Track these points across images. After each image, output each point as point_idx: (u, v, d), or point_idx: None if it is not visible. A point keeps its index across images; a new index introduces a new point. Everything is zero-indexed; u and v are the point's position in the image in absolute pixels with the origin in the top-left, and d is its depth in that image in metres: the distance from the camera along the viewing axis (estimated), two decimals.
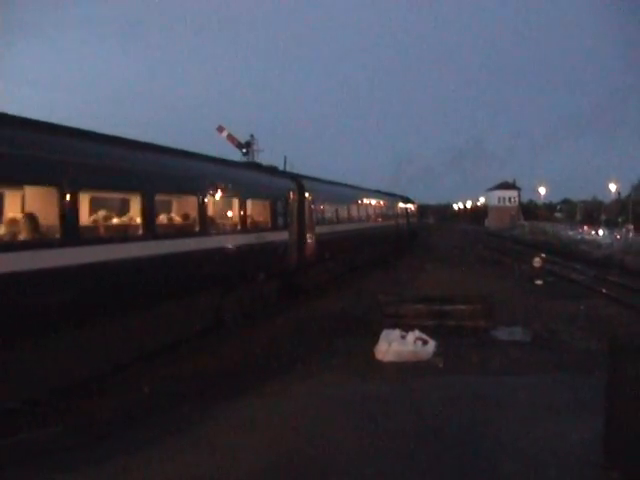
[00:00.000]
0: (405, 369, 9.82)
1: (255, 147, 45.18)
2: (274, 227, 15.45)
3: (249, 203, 14.07)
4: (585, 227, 58.84)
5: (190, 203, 11.53)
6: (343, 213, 23.75)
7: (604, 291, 19.77)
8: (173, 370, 9.94)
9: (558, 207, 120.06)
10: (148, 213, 9.71)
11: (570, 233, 55.95)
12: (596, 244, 42.28)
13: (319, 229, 19.48)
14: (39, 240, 7.63)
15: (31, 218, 7.63)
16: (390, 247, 34.13)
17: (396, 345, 10.44)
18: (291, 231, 16.81)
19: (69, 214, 7.85)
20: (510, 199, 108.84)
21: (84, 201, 8.86)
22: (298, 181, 18.47)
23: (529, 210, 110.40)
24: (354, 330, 12.82)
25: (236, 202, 13.44)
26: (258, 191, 15.09)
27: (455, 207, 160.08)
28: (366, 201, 28.80)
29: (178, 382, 9.35)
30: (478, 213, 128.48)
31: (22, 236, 7.53)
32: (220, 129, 46.04)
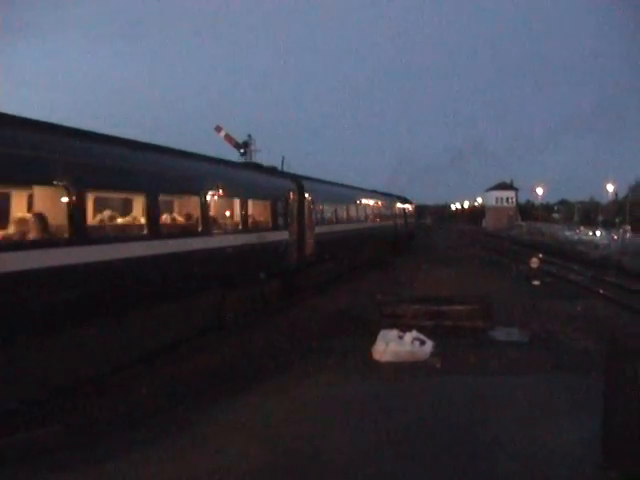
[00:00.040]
0: (402, 369, 9.81)
1: (253, 147, 45.22)
2: (275, 227, 15.57)
3: (250, 203, 14.17)
4: (582, 228, 58.94)
5: (193, 203, 11.63)
6: (342, 213, 23.93)
7: (601, 292, 19.80)
8: (172, 370, 9.93)
9: (555, 208, 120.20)
10: (152, 213, 9.80)
11: (567, 234, 56.03)
12: (593, 245, 42.34)
13: (318, 229, 19.62)
14: (48, 239, 7.73)
15: (40, 218, 7.75)
16: (388, 247, 34.21)
17: (393, 345, 10.44)
18: (291, 231, 16.94)
19: (76, 214, 7.98)
20: (508, 199, 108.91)
21: (91, 201, 8.97)
22: (298, 181, 18.59)
23: (527, 211, 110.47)
24: (352, 330, 12.82)
25: (237, 202, 13.58)
26: (259, 191, 15.21)
27: (453, 207, 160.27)
28: (364, 201, 28.93)
29: (177, 382, 9.34)
30: (476, 213, 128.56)
31: (31, 235, 7.65)
32: (218, 129, 46.06)
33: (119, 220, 10.03)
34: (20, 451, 6.65)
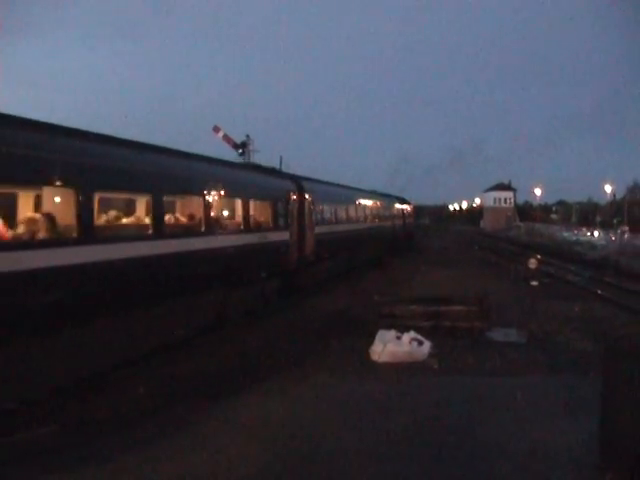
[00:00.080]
0: (400, 370, 9.81)
1: (251, 147, 45.09)
2: (275, 227, 15.73)
3: (252, 204, 14.31)
4: (582, 229, 59.01)
5: (197, 204, 11.75)
6: (341, 214, 24.09)
7: (599, 292, 19.82)
8: (171, 370, 9.92)
9: (554, 208, 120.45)
10: (157, 213, 9.94)
11: (565, 234, 56.11)
12: (591, 245, 42.40)
13: (318, 229, 19.76)
14: (56, 239, 7.86)
15: (49, 217, 7.86)
16: (387, 247, 34.27)
17: (391, 346, 10.43)
18: (292, 231, 17.08)
19: (84, 214, 8.12)
20: (506, 200, 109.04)
21: (98, 202, 9.03)
22: (298, 182, 18.73)
23: (525, 211, 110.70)
24: (350, 330, 12.81)
25: (239, 203, 13.74)
26: (260, 192, 15.34)
27: (451, 208, 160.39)
28: (363, 202, 29.05)
29: (175, 382, 9.33)
30: (474, 214, 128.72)
31: (41, 235, 7.75)
32: (216, 129, 45.86)
33: (125, 220, 10.19)
34: (18, 451, 6.63)
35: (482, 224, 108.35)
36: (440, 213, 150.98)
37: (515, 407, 8.03)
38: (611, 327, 13.53)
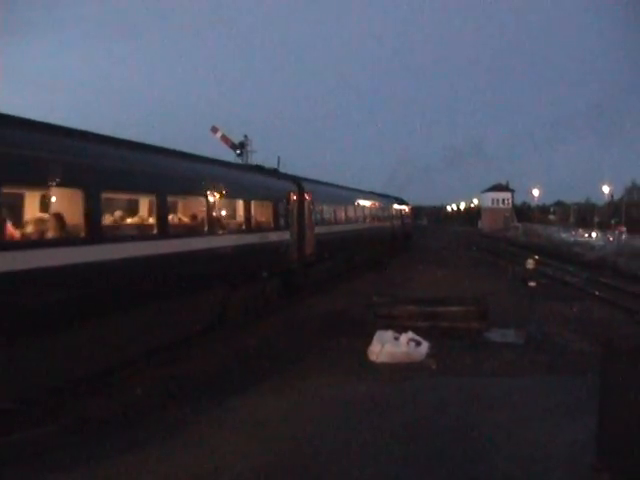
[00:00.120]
0: (398, 370, 9.81)
1: (249, 148, 45.10)
2: (276, 227, 15.88)
3: (253, 204, 14.42)
4: (579, 230, 59.10)
5: (200, 204, 11.87)
6: (340, 214, 24.27)
7: (597, 293, 19.83)
8: (169, 370, 9.93)
9: (551, 209, 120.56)
10: (161, 213, 10.09)
11: (563, 235, 56.14)
12: (589, 246, 42.42)
13: (318, 229, 19.95)
14: (65, 238, 7.96)
15: (58, 217, 7.96)
16: (385, 248, 34.33)
17: (389, 346, 10.42)
18: (292, 231, 17.25)
19: (92, 214, 8.25)
20: (504, 201, 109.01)
21: (104, 202, 9.13)
22: (298, 183, 18.89)
23: (522, 212, 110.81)
24: (348, 330, 12.80)
25: (241, 203, 13.89)
26: (261, 193, 15.50)
27: (449, 209, 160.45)
28: (362, 203, 29.20)
29: (174, 382, 9.32)
30: (472, 215, 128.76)
31: (50, 234, 7.88)
32: (214, 130, 45.92)
33: (130, 220, 10.33)
34: (16, 451, 6.62)
35: (480, 225, 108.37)
36: (438, 214, 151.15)
37: (513, 408, 8.03)
38: (609, 328, 13.57)
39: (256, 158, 42.88)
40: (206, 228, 11.66)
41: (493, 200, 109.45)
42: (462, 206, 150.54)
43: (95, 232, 8.31)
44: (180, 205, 12.17)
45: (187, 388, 9.00)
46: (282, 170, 22.81)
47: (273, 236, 15.48)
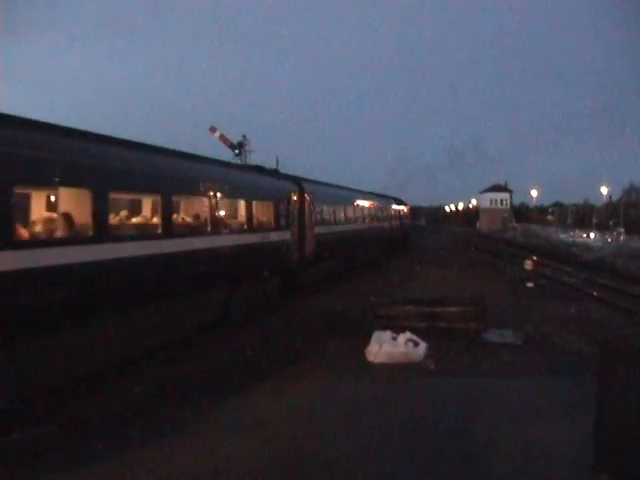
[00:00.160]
0: (396, 371, 9.81)
1: (247, 148, 45.07)
2: (277, 227, 16.10)
3: (255, 204, 14.63)
4: (576, 230, 59.15)
5: (203, 204, 12.08)
6: (340, 214, 24.50)
7: (595, 294, 19.85)
8: (168, 369, 9.92)
9: (550, 210, 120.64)
10: (167, 213, 10.31)
11: (561, 236, 56.19)
12: (587, 247, 42.45)
13: (318, 229, 20.15)
14: (74, 237, 8.15)
15: (67, 217, 8.15)
16: (384, 248, 34.48)
17: (387, 346, 10.43)
18: (292, 231, 17.47)
19: (100, 213, 8.46)
20: (502, 201, 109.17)
21: (112, 202, 9.32)
22: (298, 183, 19.09)
23: (521, 213, 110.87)
24: (346, 331, 12.82)
25: (243, 203, 14.14)
26: (263, 193, 15.72)
27: (447, 209, 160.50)
28: (361, 203, 29.37)
29: (173, 381, 9.31)
30: (470, 215, 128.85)
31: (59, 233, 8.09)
32: (213, 129, 45.90)
33: (136, 220, 10.57)
34: (14, 451, 6.62)
35: (478, 225, 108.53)
36: (436, 214, 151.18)
37: (511, 408, 8.05)
38: (607, 329, 13.59)
39: (255, 158, 42.91)
40: (209, 228, 11.87)
41: (491, 201, 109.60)
42: (460, 207, 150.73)
43: (103, 231, 8.50)
44: (185, 205, 12.36)
45: (186, 388, 8.99)
46: (280, 170, 22.90)
47: (274, 236, 15.66)
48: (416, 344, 10.63)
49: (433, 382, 9.36)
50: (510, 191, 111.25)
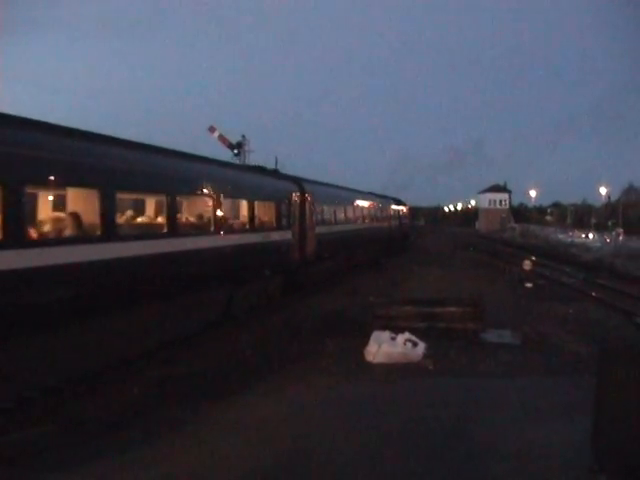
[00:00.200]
0: (395, 371, 9.82)
1: (247, 148, 45.01)
2: (279, 227, 16.30)
3: (257, 204, 14.80)
4: (575, 231, 59.15)
5: (207, 204, 12.25)
6: (340, 214, 24.71)
7: (594, 294, 19.87)
8: (167, 369, 9.92)
9: (549, 210, 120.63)
10: (172, 213, 10.51)
11: (560, 236, 56.21)
12: (586, 247, 42.49)
13: (318, 229, 20.33)
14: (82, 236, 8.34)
15: (75, 216, 8.33)
16: (383, 248, 34.59)
17: (386, 347, 10.44)
18: (294, 231, 17.67)
19: (107, 213, 8.65)
20: (501, 202, 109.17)
21: (118, 201, 9.44)
22: (299, 184, 19.28)
23: (520, 213, 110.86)
24: (346, 330, 12.83)
25: (246, 204, 14.33)
26: (264, 193, 15.92)
27: (446, 209, 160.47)
28: (361, 203, 29.57)
29: (172, 381, 9.32)
30: (469, 215, 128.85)
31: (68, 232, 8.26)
32: (212, 129, 45.83)
33: (141, 219, 10.80)
34: (12, 451, 6.62)
35: (477, 225, 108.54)
36: (435, 214, 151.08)
37: (510, 408, 8.06)
38: (605, 329, 13.61)
39: (254, 158, 42.89)
40: (213, 227, 12.05)
41: (490, 201, 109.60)
42: (459, 207, 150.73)
43: (110, 230, 8.69)
44: (189, 205, 12.50)
45: (185, 388, 9.00)
46: (280, 170, 22.98)
47: (275, 236, 15.85)
48: (415, 344, 10.64)
49: (432, 382, 9.38)
50: (509, 191, 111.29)
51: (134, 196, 10.80)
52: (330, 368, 10.05)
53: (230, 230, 13.14)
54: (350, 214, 26.54)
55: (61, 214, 8.75)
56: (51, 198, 9.21)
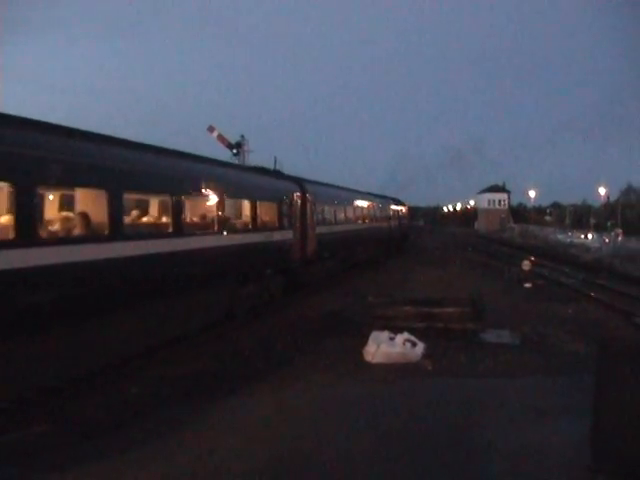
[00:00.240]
0: (394, 371, 9.83)
1: (246, 147, 44.92)
2: (280, 227, 16.44)
3: (259, 205, 14.91)
4: (574, 231, 59.18)
5: (210, 204, 12.35)
6: (341, 214, 24.90)
7: (593, 295, 19.87)
8: (166, 369, 9.92)
9: (548, 210, 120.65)
10: (177, 213, 10.63)
11: (559, 236, 56.22)
12: (585, 248, 42.49)
13: (319, 229, 20.50)
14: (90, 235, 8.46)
15: (84, 216, 8.46)
16: (383, 247, 34.66)
17: (385, 347, 10.45)
18: (295, 231, 17.81)
19: (114, 213, 8.77)
20: (500, 202, 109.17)
21: (126, 201, 9.57)
22: (300, 184, 19.42)
23: (519, 213, 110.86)
24: (344, 330, 12.85)
25: (248, 204, 14.51)
26: (266, 194, 16.04)
27: (445, 209, 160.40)
28: (361, 203, 29.73)
29: (171, 381, 9.32)
30: (468, 216, 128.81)
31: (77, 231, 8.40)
32: (211, 129, 45.71)
33: (147, 219, 10.93)
34: (9, 451, 6.63)
35: (476, 226, 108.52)
36: (434, 214, 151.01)
37: (509, 408, 8.07)
38: (604, 330, 13.62)
39: (253, 158, 42.79)
40: (216, 227, 12.19)
41: (489, 201, 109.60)
42: (458, 207, 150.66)
43: (117, 230, 8.79)
44: (193, 205, 12.59)
45: (184, 388, 9.00)
46: (280, 170, 23.02)
47: (277, 235, 16.02)
48: (414, 344, 10.65)
49: (431, 382, 9.39)
50: (508, 191, 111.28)
51: (140, 196, 10.94)
52: (330, 368, 10.06)
53: (233, 230, 13.29)
54: (350, 214, 26.68)
55: (70, 214, 8.89)
56: (61, 198, 9.39)
